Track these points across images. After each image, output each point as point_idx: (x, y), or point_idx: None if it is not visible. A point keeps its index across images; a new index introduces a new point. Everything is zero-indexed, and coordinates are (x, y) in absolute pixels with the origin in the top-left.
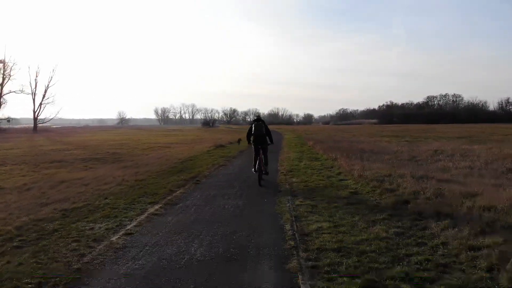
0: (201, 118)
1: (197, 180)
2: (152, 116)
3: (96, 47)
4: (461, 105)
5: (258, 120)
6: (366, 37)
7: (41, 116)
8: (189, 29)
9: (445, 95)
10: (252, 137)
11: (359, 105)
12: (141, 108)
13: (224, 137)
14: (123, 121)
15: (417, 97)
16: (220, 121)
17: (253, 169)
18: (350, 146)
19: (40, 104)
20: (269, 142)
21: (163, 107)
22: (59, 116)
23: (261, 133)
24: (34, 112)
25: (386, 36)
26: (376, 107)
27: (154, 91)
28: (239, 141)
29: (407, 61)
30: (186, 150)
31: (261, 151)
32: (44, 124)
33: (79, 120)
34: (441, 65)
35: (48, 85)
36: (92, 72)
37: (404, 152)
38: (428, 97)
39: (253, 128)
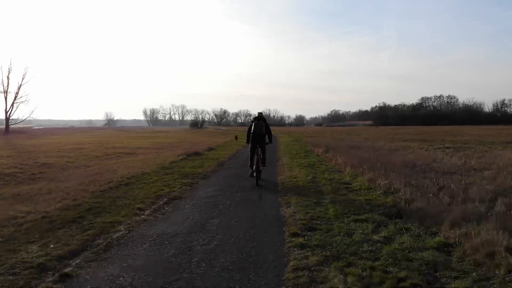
0: (191, 120)
1: (65, 275)
2: (142, 117)
3: (87, 48)
4: (456, 107)
5: (259, 118)
6: (358, 39)
7: (14, 116)
8: (181, 31)
9: (440, 97)
10: (251, 135)
11: (350, 107)
12: (131, 109)
13: (208, 140)
14: (110, 122)
15: (409, 99)
16: (210, 122)
17: (249, 172)
18: (383, 157)
19: (13, 103)
20: (267, 141)
21: (152, 108)
22: (34, 116)
23: (261, 132)
24: (6, 112)
25: (378, 39)
26: (368, 108)
27: (145, 93)
28: (236, 138)
29: (398, 64)
30: (145, 161)
31: (259, 150)
32: (25, 125)
33: (67, 121)
34: (432, 67)
35: (21, 83)
36: (83, 73)
37: (484, 169)
38: (422, 98)
39: (253, 127)
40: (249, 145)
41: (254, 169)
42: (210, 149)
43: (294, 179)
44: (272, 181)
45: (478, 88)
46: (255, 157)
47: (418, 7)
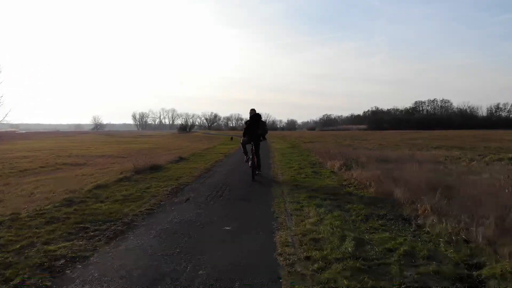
0: (182, 123)
1: None
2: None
3: (79, 51)
4: (450, 110)
5: (259, 116)
6: (349, 44)
7: None
8: (174, 35)
9: (434, 100)
10: (251, 134)
11: (341, 111)
12: (123, 112)
13: (188, 145)
14: (98, 126)
15: (400, 103)
16: (201, 126)
17: (245, 158)
18: (453, 182)
19: None
20: (261, 138)
21: (141, 112)
22: (8, 119)
23: (264, 132)
24: None
25: (369, 44)
26: (360, 113)
27: (137, 97)
28: (231, 138)
29: (389, 68)
30: (69, 180)
31: (253, 148)
32: (10, 129)
33: (56, 125)
34: (423, 72)
35: None
36: (74, 78)
37: None
38: (416, 102)
39: (259, 126)
40: (242, 140)
41: (250, 164)
42: (180, 159)
43: (316, 253)
44: (265, 262)
45: (469, 93)
46: (249, 152)
47: (408, 13)
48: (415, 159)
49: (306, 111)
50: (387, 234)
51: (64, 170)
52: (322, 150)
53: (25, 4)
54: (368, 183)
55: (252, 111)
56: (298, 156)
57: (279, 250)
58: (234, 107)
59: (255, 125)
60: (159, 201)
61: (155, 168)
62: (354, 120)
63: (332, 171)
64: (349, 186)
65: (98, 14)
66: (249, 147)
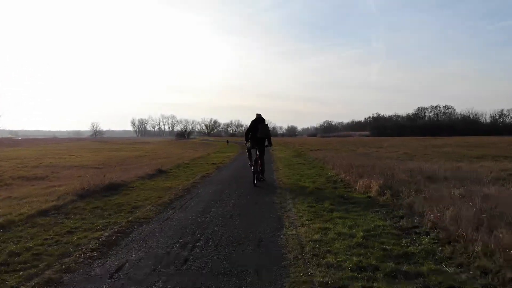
0: (180, 130)
1: None
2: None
3: (79, 56)
4: (453, 117)
5: (262, 120)
6: (348, 52)
7: None
8: (174, 43)
9: (436, 107)
10: (253, 138)
11: (341, 117)
12: (122, 119)
13: (180, 153)
14: (96, 133)
15: (400, 110)
16: (200, 132)
17: (249, 163)
18: None
19: None
20: (267, 143)
21: (141, 118)
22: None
23: (266, 135)
24: None
25: (368, 51)
26: (360, 119)
27: (136, 104)
28: (227, 142)
29: (388, 75)
30: None
31: (257, 153)
32: (8, 136)
33: (55, 132)
34: (421, 79)
35: None
36: (75, 85)
37: None
38: (418, 109)
39: (258, 129)
40: (247, 145)
41: (253, 169)
42: (158, 173)
43: None
44: None
45: (471, 99)
46: (253, 157)
47: (406, 20)
48: (474, 176)
49: (306, 118)
50: None
51: (12, 187)
52: (339, 161)
53: (26, 6)
54: (462, 233)
55: (258, 115)
56: (310, 169)
57: None
58: (234, 114)
59: (255, 128)
60: (63, 270)
61: (113, 189)
62: (355, 126)
63: (369, 196)
64: (416, 231)
65: (101, 21)
66: (254, 152)
